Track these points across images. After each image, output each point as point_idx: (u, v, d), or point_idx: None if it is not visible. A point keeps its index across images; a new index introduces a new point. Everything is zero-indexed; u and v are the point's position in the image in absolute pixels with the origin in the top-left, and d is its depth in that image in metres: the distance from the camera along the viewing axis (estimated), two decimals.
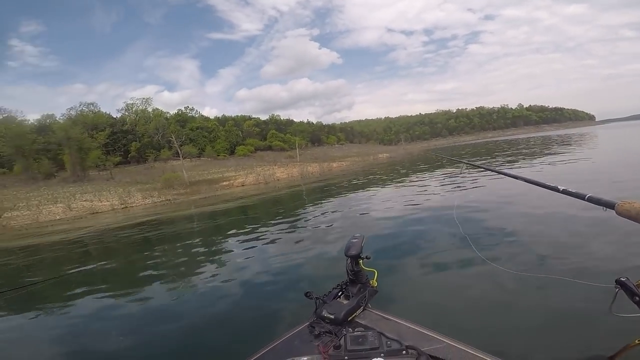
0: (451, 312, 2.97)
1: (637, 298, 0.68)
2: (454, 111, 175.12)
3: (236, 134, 64.16)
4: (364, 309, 1.41)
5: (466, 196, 8.48)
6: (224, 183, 33.63)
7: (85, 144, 39.17)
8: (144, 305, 4.45)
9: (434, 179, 13.42)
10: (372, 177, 20.72)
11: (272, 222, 9.37)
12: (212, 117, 72.68)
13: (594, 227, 4.37)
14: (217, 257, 6.67)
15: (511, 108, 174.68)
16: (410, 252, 4.79)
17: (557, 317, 2.61)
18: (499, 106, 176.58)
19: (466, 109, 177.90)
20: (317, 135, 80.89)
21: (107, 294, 5.33)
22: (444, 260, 4.27)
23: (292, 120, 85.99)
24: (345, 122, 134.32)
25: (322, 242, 6.24)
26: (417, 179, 14.70)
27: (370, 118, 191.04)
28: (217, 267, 5.78)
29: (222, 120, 70.10)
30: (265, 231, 8.10)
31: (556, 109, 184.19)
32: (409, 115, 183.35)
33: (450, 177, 13.20)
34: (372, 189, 14.09)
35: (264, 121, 77.44)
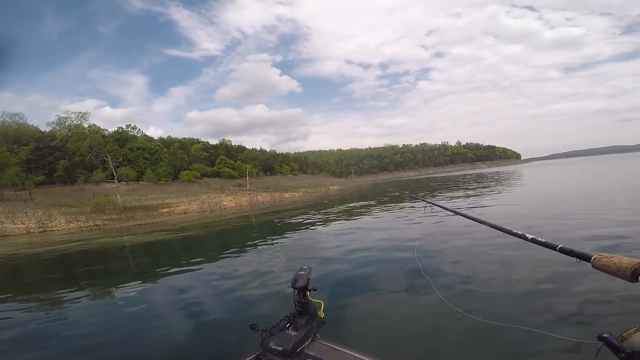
0: (399, 342, 3.00)
1: (623, 354, 0.66)
2: (400, 146, 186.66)
3: (181, 158, 60.62)
4: (312, 340, 1.41)
5: (421, 231, 8.52)
6: (164, 210, 31.01)
7: (2, 158, 34.02)
8: (68, 340, 3.90)
9: (383, 214, 13.46)
10: (323, 208, 20.52)
11: (216, 251, 8.97)
12: (156, 137, 68.51)
13: (562, 274, 4.27)
14: (151, 287, 6.03)
15: (451, 145, 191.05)
16: (358, 284, 4.84)
17: None
18: (440, 143, 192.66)
19: (411, 144, 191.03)
20: (269, 164, 79.69)
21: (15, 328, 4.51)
22: (393, 291, 4.30)
23: (244, 147, 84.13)
24: (299, 152, 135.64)
25: (269, 272, 6.04)
26: (365, 213, 14.74)
27: (324, 149, 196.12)
28: (151, 298, 5.24)
29: (167, 142, 66.25)
30: (208, 260, 7.72)
31: (489, 147, 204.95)
32: (360, 148, 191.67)
33: (399, 213, 13.30)
34: (323, 220, 13.80)
35: (213, 146, 74.53)
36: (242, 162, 67.39)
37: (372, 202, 20.22)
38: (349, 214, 15.00)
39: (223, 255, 8.38)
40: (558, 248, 0.81)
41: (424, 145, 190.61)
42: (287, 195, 41.32)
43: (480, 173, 57.74)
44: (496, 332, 2.92)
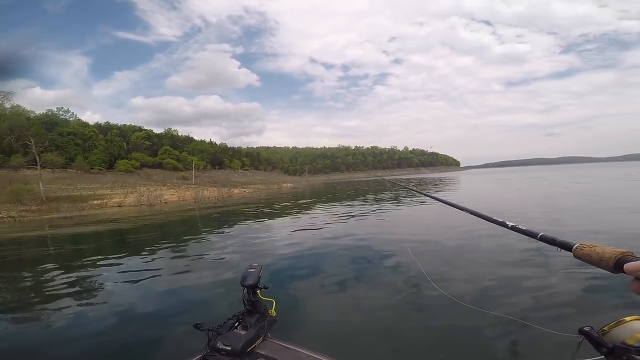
0: (356, 338, 2.95)
1: (605, 349, 0.64)
2: (353, 148, 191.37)
3: (119, 145, 55.43)
4: (264, 339, 1.38)
5: (375, 226, 8.51)
6: (95, 202, 28.07)
7: None
8: None
9: (337, 211, 13.41)
10: (276, 205, 19.96)
11: (156, 248, 8.23)
12: (92, 123, 62.21)
13: (545, 263, 4.46)
14: (81, 285, 5.35)
15: (399, 150, 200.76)
16: (313, 280, 4.71)
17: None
18: (390, 147, 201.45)
19: (363, 147, 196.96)
20: (219, 158, 76.33)
21: None
22: (351, 286, 4.30)
23: (192, 138, 79.90)
24: (252, 147, 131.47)
25: (215, 269, 5.69)
26: (319, 210, 14.58)
27: (279, 146, 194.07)
28: (82, 297, 4.72)
29: (104, 128, 60.38)
30: (147, 258, 7.10)
31: (433, 154, 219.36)
32: (315, 147, 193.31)
33: (352, 209, 13.32)
34: (275, 217, 13.35)
35: (157, 135, 69.51)
36: (188, 154, 63.81)
37: (325, 200, 20.20)
38: (303, 212, 14.72)
39: (163, 252, 7.70)
40: (539, 236, 0.77)
41: (374, 148, 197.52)
42: (236, 191, 39.88)
43: (423, 178, 61.09)
44: (475, 318, 2.90)
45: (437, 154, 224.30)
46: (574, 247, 0.62)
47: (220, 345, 1.25)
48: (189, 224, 14.15)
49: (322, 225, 9.81)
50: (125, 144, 57.38)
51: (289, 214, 14.49)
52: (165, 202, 29.46)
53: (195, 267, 6.09)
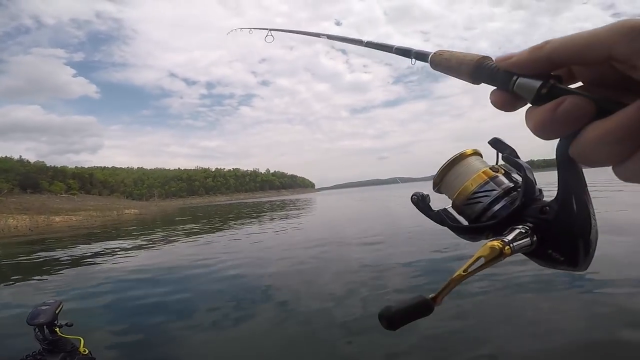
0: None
1: None
2: (213, 170, 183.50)
3: None
4: None
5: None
6: None
7: None
8: None
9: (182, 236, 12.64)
10: (111, 235, 17.11)
11: None
12: None
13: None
14: None
15: (261, 172, 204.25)
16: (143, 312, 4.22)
17: None
18: (252, 169, 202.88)
19: (224, 169, 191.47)
20: (33, 179, 60.16)
21: None
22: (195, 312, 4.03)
23: None
24: (82, 167, 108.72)
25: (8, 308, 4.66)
26: (165, 235, 13.45)
27: (121, 166, 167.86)
28: None
29: None
30: None
31: (292, 176, 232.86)
32: (167, 169, 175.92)
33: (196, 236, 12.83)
34: (107, 249, 11.31)
35: None
36: None
37: (176, 228, 18.69)
38: (143, 238, 13.16)
39: None
40: (394, 49, 0.67)
41: (236, 170, 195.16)
42: (58, 219, 32.11)
43: (284, 200, 63.59)
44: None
45: (295, 177, 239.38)
46: (431, 54, 0.48)
47: None
48: None
49: (164, 253, 9.18)
50: None
51: (129, 244, 12.72)
52: None
53: None
